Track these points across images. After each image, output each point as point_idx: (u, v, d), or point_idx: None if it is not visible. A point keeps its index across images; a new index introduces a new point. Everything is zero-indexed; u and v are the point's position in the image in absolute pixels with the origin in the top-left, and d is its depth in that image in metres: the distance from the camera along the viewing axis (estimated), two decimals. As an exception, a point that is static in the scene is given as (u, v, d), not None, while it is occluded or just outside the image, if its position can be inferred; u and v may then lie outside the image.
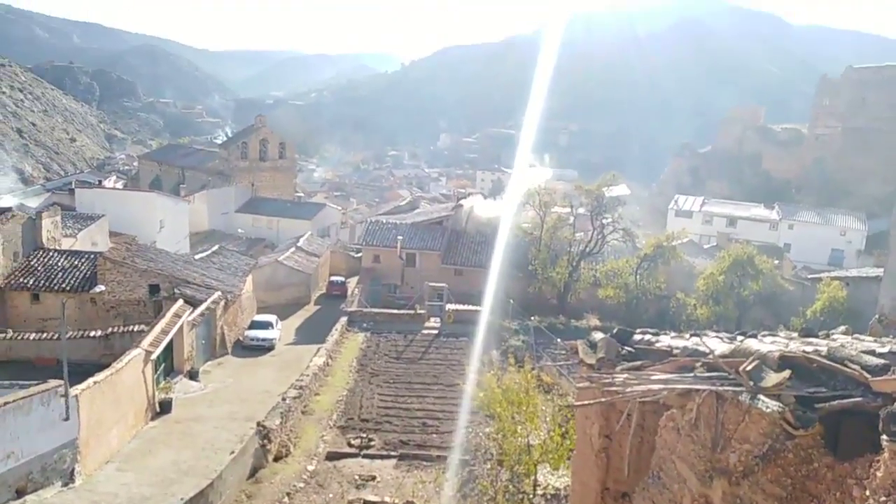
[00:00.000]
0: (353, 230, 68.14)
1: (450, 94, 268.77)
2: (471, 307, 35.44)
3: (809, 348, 5.33)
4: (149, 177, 75.26)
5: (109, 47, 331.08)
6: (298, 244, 46.81)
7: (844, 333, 7.19)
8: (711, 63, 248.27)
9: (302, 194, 77.59)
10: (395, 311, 36.65)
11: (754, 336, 8.20)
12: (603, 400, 6.27)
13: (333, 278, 47.18)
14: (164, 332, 23.07)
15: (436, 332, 33.80)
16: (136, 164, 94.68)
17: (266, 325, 32.73)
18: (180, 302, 26.04)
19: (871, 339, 6.09)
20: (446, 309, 35.65)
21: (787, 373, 4.44)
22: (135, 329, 23.64)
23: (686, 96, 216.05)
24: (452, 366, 28.34)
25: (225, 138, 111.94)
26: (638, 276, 40.37)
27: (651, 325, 31.77)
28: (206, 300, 27.87)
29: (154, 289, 27.52)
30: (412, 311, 36.08)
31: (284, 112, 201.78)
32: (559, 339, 28.20)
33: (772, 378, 4.50)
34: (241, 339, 31.84)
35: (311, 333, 34.25)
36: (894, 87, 76.38)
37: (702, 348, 6.87)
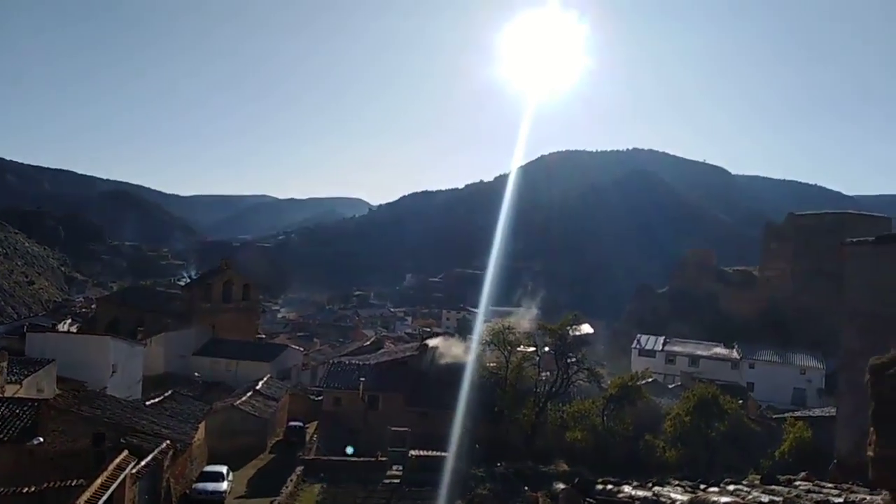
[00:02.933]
0: (315, 371, 66.43)
1: (416, 237, 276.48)
2: (435, 453, 33.96)
3: (766, 498, 5.21)
4: (106, 319, 73.48)
5: (79, 192, 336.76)
6: (257, 388, 45.21)
7: (805, 480, 7.09)
8: (665, 210, 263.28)
9: (264, 336, 76.27)
10: (356, 459, 34.87)
11: (717, 484, 8.03)
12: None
13: (291, 423, 45.20)
14: (104, 486, 21.35)
15: (398, 480, 32.05)
16: (94, 306, 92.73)
17: (216, 477, 30.62)
18: (125, 453, 24.35)
19: (830, 485, 6.01)
20: (410, 455, 34.09)
21: (743, 526, 4.32)
22: (73, 484, 21.84)
23: (642, 240, 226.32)
24: (415, 519, 26.60)
25: (189, 280, 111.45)
26: (605, 418, 39.68)
27: (620, 468, 30.77)
28: (153, 450, 26.17)
29: (98, 438, 25.80)
30: (373, 459, 34.39)
31: (251, 254, 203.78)
32: (526, 487, 26.95)
33: (729, 533, 4.36)
34: (188, 492, 29.61)
35: (265, 485, 32.10)
36: (834, 232, 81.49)
37: (663, 500, 6.66)
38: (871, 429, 1.32)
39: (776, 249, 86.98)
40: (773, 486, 6.10)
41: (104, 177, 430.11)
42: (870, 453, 1.33)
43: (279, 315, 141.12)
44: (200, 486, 29.73)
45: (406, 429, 35.87)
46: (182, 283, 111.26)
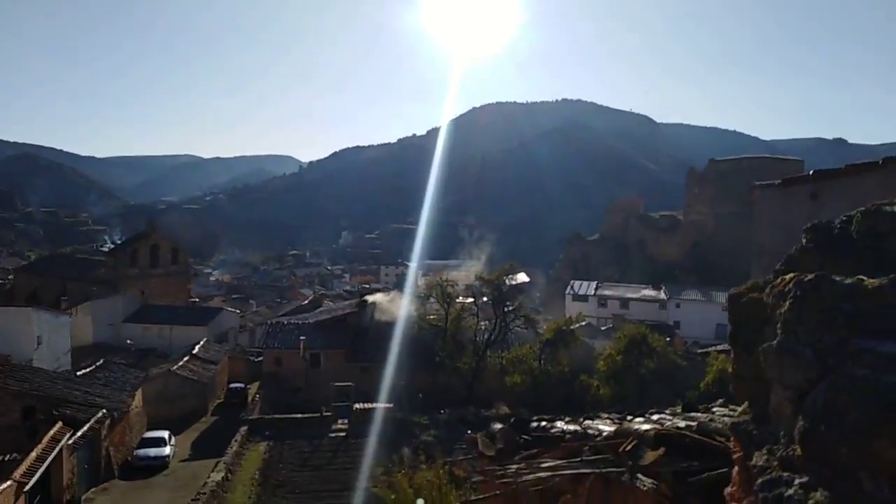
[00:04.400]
0: (254, 333, 65.60)
1: (350, 193, 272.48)
2: (380, 405, 34.56)
3: (684, 423, 5.68)
4: (26, 290, 69.74)
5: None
6: (193, 352, 44.41)
7: (722, 406, 7.69)
8: (594, 159, 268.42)
9: (197, 300, 74.41)
10: (300, 416, 35.06)
11: (642, 415, 8.62)
12: (497, 493, 6.30)
13: (232, 385, 44.81)
14: (40, 459, 20.79)
15: (343, 434, 32.52)
16: (10, 277, 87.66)
17: (158, 442, 30.26)
18: (59, 425, 23.70)
19: (741, 407, 6.55)
20: (354, 409, 34.55)
21: (661, 450, 4.70)
22: (6, 459, 21.20)
23: (573, 189, 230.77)
24: (362, 469, 27.18)
25: (112, 246, 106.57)
26: (542, 361, 41.17)
27: (558, 407, 32.22)
28: (89, 420, 25.54)
29: (28, 412, 24.96)
30: (318, 415, 34.67)
31: (178, 216, 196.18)
32: (469, 431, 27.91)
33: (649, 456, 4.75)
34: (129, 459, 29.19)
35: (209, 447, 31.92)
36: (751, 175, 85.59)
37: (591, 431, 7.14)
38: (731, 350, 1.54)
39: (699, 194, 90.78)
40: (692, 413, 6.61)
41: (7, 139, 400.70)
42: (731, 368, 1.56)
43: (212, 278, 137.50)
44: (142, 451, 29.35)
45: (350, 383, 36.24)
46: (105, 250, 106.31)
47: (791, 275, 1.36)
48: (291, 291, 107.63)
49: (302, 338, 42.35)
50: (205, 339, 49.46)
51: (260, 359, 47.34)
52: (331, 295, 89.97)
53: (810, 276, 1.31)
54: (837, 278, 1.28)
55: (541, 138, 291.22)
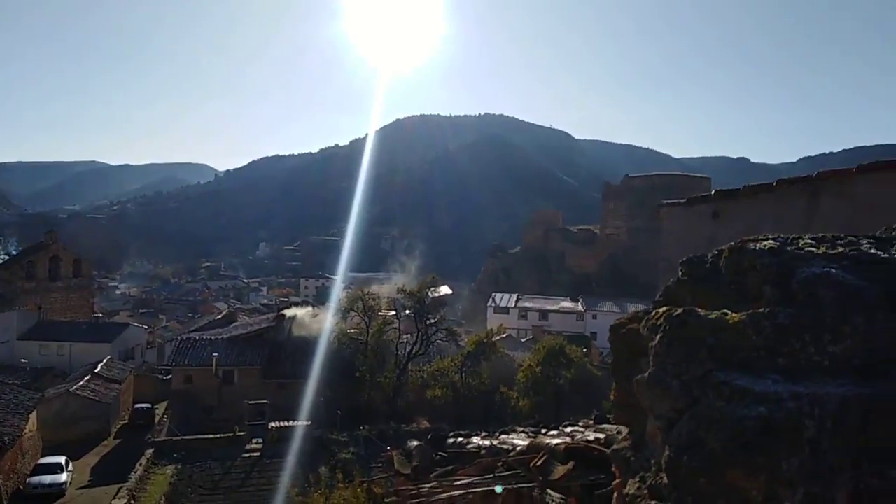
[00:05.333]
0: (163, 350, 62.56)
1: (268, 204, 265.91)
2: (296, 423, 33.71)
3: (593, 436, 5.84)
4: None
5: None
6: (95, 371, 41.86)
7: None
8: (516, 172, 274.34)
9: (101, 315, 70.32)
10: (211, 436, 33.67)
11: (556, 428, 8.80)
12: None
13: (138, 406, 42.53)
14: (-87, 494, 18.92)
15: (258, 454, 31.48)
16: None
17: (53, 469, 28.24)
18: (-63, 454, 21.70)
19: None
20: (269, 427, 33.53)
21: (570, 464, 4.80)
22: None
23: (496, 202, 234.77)
24: (277, 490, 26.37)
25: (6, 258, 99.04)
26: (463, 374, 41.43)
27: (478, 420, 32.35)
28: (-27, 448, 23.51)
29: None
30: (230, 434, 33.42)
31: (82, 226, 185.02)
32: (389, 448, 27.67)
33: (558, 471, 4.84)
34: (22, 488, 27.07)
35: (111, 472, 30.08)
36: (663, 191, 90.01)
37: (506, 446, 7.21)
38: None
39: (614, 209, 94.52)
40: (603, 426, 6.78)
41: None
42: (612, 397, 1.63)
43: (118, 292, 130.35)
44: (36, 479, 27.32)
45: (265, 401, 35.17)
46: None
47: (663, 308, 1.43)
48: (204, 305, 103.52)
49: (215, 354, 40.79)
50: (108, 357, 46.77)
51: (169, 377, 45.18)
52: (247, 309, 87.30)
53: (678, 311, 1.38)
54: (703, 313, 1.36)
55: (465, 150, 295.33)
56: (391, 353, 41.76)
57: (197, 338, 45.88)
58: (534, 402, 38.62)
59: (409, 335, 43.37)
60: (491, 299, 78.76)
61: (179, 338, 48.43)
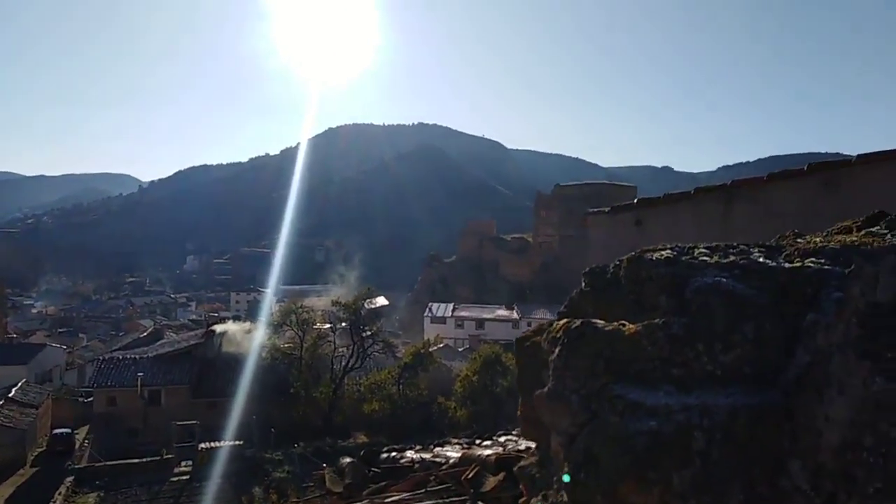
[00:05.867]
0: (84, 371, 59.40)
1: (196, 215, 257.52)
2: (228, 442, 32.57)
3: (524, 445, 5.84)
4: None
5: None
6: (9, 395, 39.27)
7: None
8: (450, 182, 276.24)
9: (16, 335, 66.20)
10: (137, 461, 32.10)
11: (490, 438, 8.78)
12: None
13: (57, 431, 40.11)
14: None
15: (187, 477, 30.22)
16: None
17: (-40, 505, 26.28)
18: None
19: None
20: (199, 449, 32.26)
21: (501, 475, 4.77)
22: None
23: (431, 212, 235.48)
24: (208, 514, 25.40)
25: None
26: (400, 386, 41.14)
27: (417, 432, 32.14)
28: None
29: None
30: (157, 458, 31.96)
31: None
32: (325, 465, 27.12)
33: (489, 482, 4.80)
34: (-80, 528, 25.04)
35: (28, 503, 28.27)
36: (593, 200, 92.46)
37: (439, 460, 7.13)
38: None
39: (546, 217, 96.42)
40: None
41: None
42: (518, 412, 1.61)
43: (34, 310, 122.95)
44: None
45: (194, 422, 33.84)
46: None
47: (563, 321, 1.42)
48: (129, 323, 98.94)
49: (139, 374, 39.04)
50: (23, 380, 43.98)
51: (90, 399, 42.89)
52: (174, 325, 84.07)
53: (577, 323, 1.37)
54: (601, 325, 1.36)
55: (401, 160, 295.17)
56: (326, 367, 41.02)
57: (120, 357, 43.83)
58: (471, 412, 38.73)
59: (344, 348, 42.73)
60: (427, 309, 78.79)
61: (101, 358, 46.12)
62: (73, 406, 46.44)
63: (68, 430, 40.35)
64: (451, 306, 78.31)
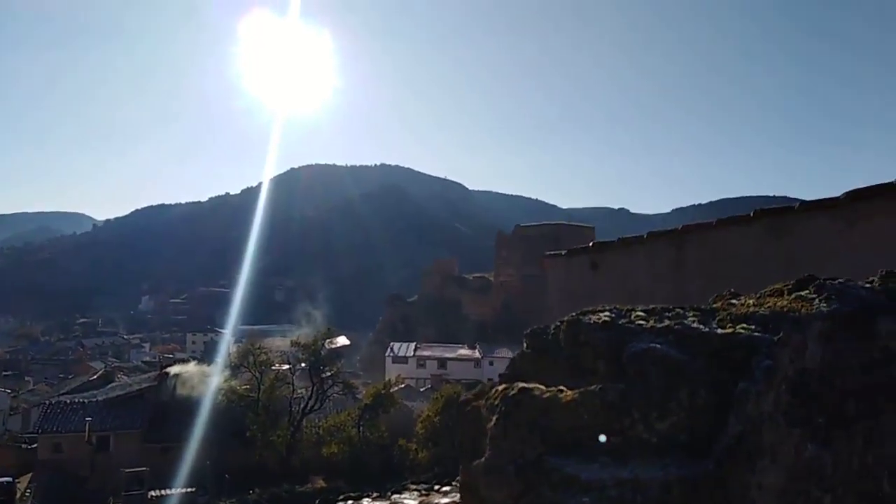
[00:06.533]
0: (29, 415, 56.66)
1: (153, 255, 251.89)
2: (180, 490, 31.24)
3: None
4: None
5: None
6: (-56, 445, 37.09)
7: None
8: (413, 222, 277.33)
9: (-45, 380, 62.97)
10: (82, 512, 30.53)
11: (450, 483, 8.60)
12: None
13: (-3, 481, 37.92)
14: None
15: (135, 528, 28.81)
16: None
17: None
18: None
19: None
20: (149, 496, 30.86)
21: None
22: None
23: (394, 252, 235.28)
24: (156, 568, 24.12)
25: None
26: (361, 428, 40.27)
27: (376, 476, 31.41)
28: None
29: None
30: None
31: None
32: (281, 512, 26.16)
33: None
34: None
35: (-43, 562, 26.44)
36: (552, 240, 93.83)
37: (394, 508, 6.94)
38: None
39: (506, 257, 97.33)
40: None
41: None
42: (459, 480, 1.58)
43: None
44: None
45: (144, 468, 32.42)
46: None
47: (502, 387, 1.40)
48: (78, 365, 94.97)
49: (88, 419, 37.34)
50: (-39, 428, 41.72)
51: (35, 446, 40.79)
52: (127, 368, 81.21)
53: (514, 391, 1.36)
54: (538, 392, 1.34)
55: (364, 200, 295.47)
56: (285, 409, 39.91)
57: (68, 401, 41.92)
58: (433, 454, 38.04)
59: (303, 389, 41.76)
60: (389, 349, 78.01)
61: (48, 402, 44.07)
62: (15, 453, 44.06)
63: (9, 479, 38.04)
64: (412, 346, 77.71)
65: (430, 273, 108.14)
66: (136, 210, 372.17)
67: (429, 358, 74.75)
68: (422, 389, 61.99)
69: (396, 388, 46.76)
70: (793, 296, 1.53)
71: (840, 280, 1.58)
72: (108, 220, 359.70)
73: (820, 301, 1.43)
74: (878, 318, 1.44)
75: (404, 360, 74.38)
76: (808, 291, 1.52)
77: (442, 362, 73.76)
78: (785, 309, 1.41)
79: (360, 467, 37.08)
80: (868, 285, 1.59)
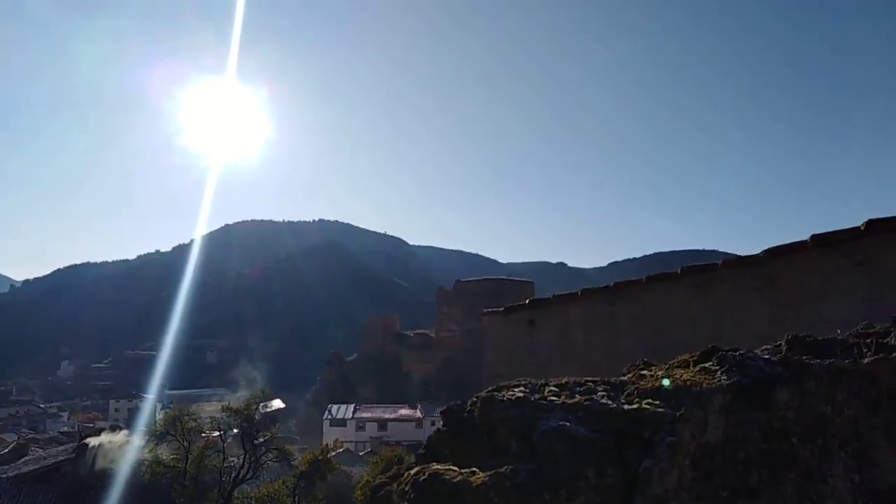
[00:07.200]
0: (-75, 498, 51.44)
1: (75, 317, 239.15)
2: (96, 575, 28.81)
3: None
4: None
5: None
6: None
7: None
8: (354, 278, 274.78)
9: None
10: None
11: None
12: None
13: None
14: None
15: None
16: None
17: None
18: None
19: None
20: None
21: None
22: None
23: (335, 309, 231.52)
24: None
25: None
26: (296, 497, 38.52)
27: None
28: None
29: None
30: None
31: None
32: None
33: None
34: None
35: None
36: (492, 295, 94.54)
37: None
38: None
39: (448, 312, 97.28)
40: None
41: None
42: None
43: None
44: None
45: (55, 552, 29.84)
46: None
47: (414, 470, 1.37)
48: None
49: (-5, 498, 34.28)
50: None
51: (-70, 533, 36.95)
52: (42, 439, 75.35)
53: (424, 476, 1.33)
54: (448, 477, 1.32)
55: (302, 256, 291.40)
56: (215, 479, 37.80)
57: (-29, 479, 38.39)
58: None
59: (235, 458, 39.77)
60: (327, 411, 75.76)
61: (-53, 482, 40.18)
62: None
63: None
64: (351, 407, 75.83)
65: (370, 331, 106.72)
66: (58, 269, 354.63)
67: (368, 420, 72.99)
68: (361, 453, 60.16)
69: (334, 453, 45.18)
70: (697, 367, 1.58)
71: (741, 351, 1.65)
72: (26, 281, 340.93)
73: (721, 373, 1.48)
74: (776, 389, 1.50)
75: (343, 422, 72.31)
76: (711, 363, 1.58)
77: (382, 424, 72.09)
78: (688, 382, 1.45)
79: (296, 538, 35.33)
80: (766, 356, 1.66)
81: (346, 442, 59.27)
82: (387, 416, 73.44)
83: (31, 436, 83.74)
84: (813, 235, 5.72)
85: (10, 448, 63.40)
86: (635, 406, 1.40)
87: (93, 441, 42.57)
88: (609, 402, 1.48)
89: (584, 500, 1.22)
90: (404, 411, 74.27)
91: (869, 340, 1.96)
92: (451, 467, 1.32)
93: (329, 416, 73.87)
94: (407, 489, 1.33)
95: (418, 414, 73.05)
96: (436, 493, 1.30)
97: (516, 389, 1.53)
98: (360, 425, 72.20)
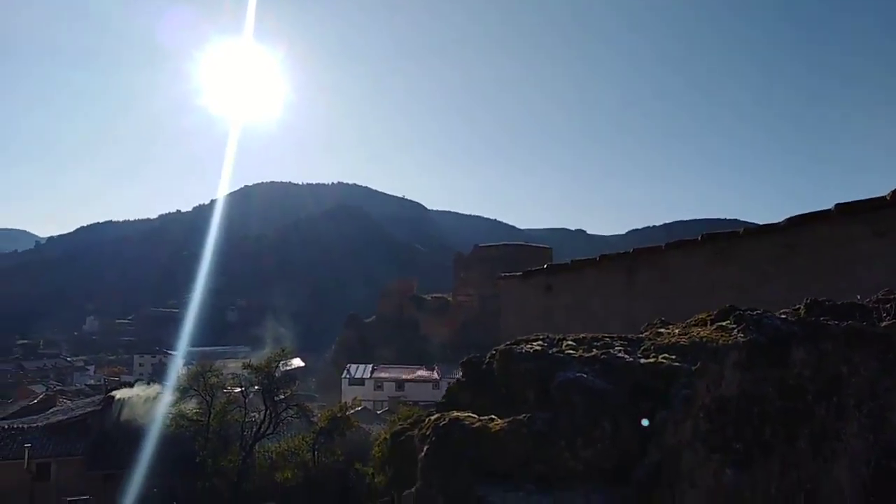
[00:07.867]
0: (-39, 445, 53.67)
1: (98, 274, 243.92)
2: (124, 520, 30.04)
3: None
4: None
5: None
6: None
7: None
8: (372, 241, 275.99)
9: None
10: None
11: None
12: None
13: (-77, 515, 35.78)
14: None
15: (75, 561, 27.49)
16: None
17: None
18: None
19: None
20: (91, 529, 29.58)
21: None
22: None
23: (353, 270, 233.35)
24: None
25: None
26: (315, 452, 39.50)
27: (333, 501, 30.71)
28: None
29: None
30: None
31: None
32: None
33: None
34: None
35: None
36: (510, 261, 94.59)
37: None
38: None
39: (465, 278, 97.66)
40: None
41: None
42: None
43: None
44: None
45: (86, 497, 31.13)
46: None
47: (434, 416, 1.42)
48: (18, 389, 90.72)
49: (27, 445, 35.67)
50: None
51: (-34, 477, 38.64)
52: (70, 391, 77.90)
53: (445, 421, 1.38)
54: (468, 422, 1.37)
55: (321, 219, 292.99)
56: (236, 434, 38.89)
57: (5, 427, 39.94)
58: (390, 478, 37.56)
59: (256, 413, 40.80)
60: (346, 371, 76.97)
61: (-20, 429, 41.84)
62: (-57, 485, 41.66)
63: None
64: (370, 367, 76.90)
65: (388, 293, 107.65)
66: (82, 227, 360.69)
67: (386, 380, 74.05)
68: (379, 412, 61.22)
69: (353, 411, 46.07)
70: (714, 326, 1.60)
71: (759, 311, 1.66)
72: (51, 238, 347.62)
73: (738, 331, 1.50)
74: (792, 348, 1.52)
75: (361, 381, 73.47)
76: (728, 321, 1.60)
77: (400, 384, 73.13)
78: (704, 339, 1.47)
79: (316, 492, 36.33)
80: (784, 316, 1.68)
81: (365, 401, 60.31)
82: (404, 376, 74.48)
83: (58, 388, 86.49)
84: (837, 204, 5.63)
85: (39, 399, 65.68)
86: (651, 360, 1.43)
87: (118, 394, 43.92)
88: (626, 356, 1.51)
89: (600, 448, 1.26)
90: (422, 372, 75.23)
91: (889, 305, 1.97)
92: (471, 414, 1.37)
93: (347, 376, 75.09)
94: (428, 433, 1.39)
95: (435, 375, 73.98)
96: (456, 435, 1.35)
97: (535, 343, 1.57)
98: (378, 385, 73.34)
